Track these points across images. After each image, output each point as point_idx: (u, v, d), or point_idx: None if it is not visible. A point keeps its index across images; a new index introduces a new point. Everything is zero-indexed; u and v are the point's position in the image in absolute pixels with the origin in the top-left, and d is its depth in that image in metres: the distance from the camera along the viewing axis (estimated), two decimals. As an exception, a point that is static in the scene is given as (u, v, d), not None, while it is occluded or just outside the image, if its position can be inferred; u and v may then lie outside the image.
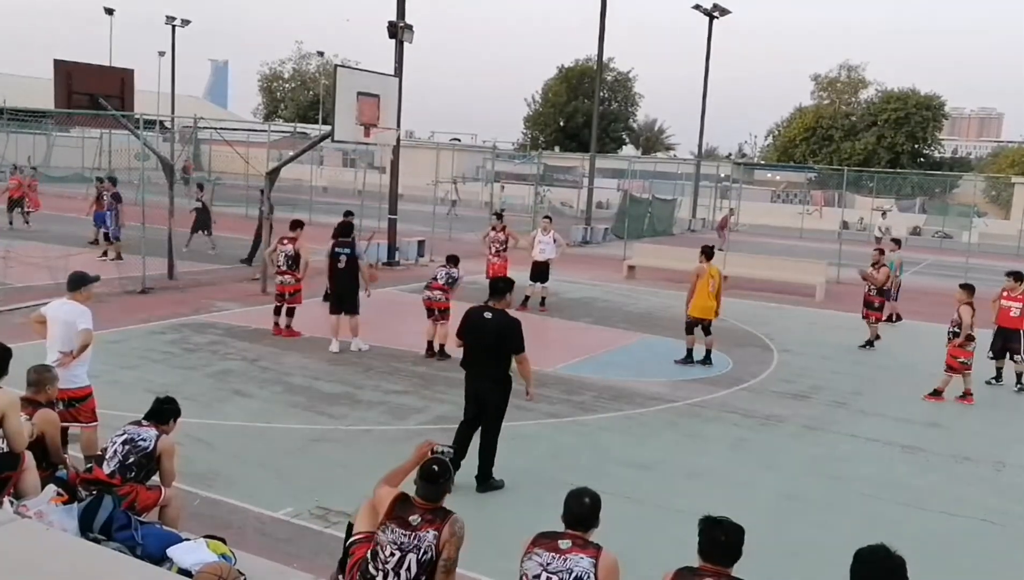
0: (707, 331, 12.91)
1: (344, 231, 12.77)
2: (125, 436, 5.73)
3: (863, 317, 15.33)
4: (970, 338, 11.64)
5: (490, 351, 7.56)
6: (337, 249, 12.53)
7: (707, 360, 12.88)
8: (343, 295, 12.49)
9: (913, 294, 21.16)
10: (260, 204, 19.79)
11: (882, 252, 15.89)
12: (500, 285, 7.85)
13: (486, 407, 7.65)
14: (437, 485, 4.53)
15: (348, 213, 16.43)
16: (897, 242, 18.83)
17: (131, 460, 5.64)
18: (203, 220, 21.61)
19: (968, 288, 11.93)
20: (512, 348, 7.51)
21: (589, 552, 4.16)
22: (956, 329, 11.73)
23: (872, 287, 15.21)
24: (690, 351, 12.92)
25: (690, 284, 12.95)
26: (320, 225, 26.53)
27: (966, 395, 11.67)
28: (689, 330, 12.94)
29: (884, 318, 15.89)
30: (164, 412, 5.94)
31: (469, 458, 7.61)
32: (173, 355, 11.70)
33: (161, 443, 5.76)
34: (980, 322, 11.96)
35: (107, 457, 5.68)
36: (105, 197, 20.44)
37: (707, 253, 13.05)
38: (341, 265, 12.45)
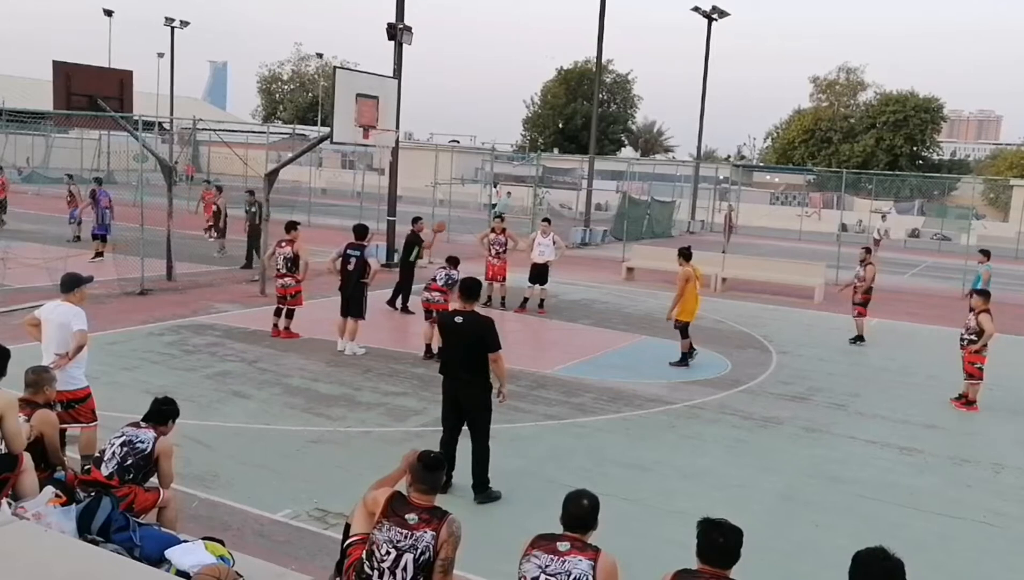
0: (684, 334, 13.04)
1: (359, 233, 12.73)
2: (123, 438, 5.73)
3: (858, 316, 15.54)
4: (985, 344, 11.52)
5: (467, 354, 7.45)
6: (349, 251, 12.52)
7: (684, 361, 12.98)
8: (350, 298, 12.49)
9: (911, 296, 21.20)
10: (248, 205, 19.94)
11: (869, 250, 16.01)
12: (472, 285, 7.74)
13: (467, 412, 7.54)
14: (436, 472, 4.53)
15: (416, 219, 16.39)
16: (986, 254, 17.58)
17: (129, 462, 5.64)
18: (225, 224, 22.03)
19: (985, 294, 11.80)
20: (487, 347, 7.39)
21: (588, 554, 4.15)
22: (973, 336, 11.53)
23: (859, 286, 15.38)
24: (684, 354, 12.95)
25: (678, 289, 12.91)
26: (319, 227, 26.60)
27: (973, 403, 11.62)
28: (685, 334, 12.97)
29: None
30: (162, 414, 5.94)
31: (463, 466, 7.59)
32: (172, 356, 11.69)
33: (159, 445, 5.77)
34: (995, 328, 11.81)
35: (105, 459, 5.68)
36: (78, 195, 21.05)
37: (687, 254, 13.10)
38: (351, 266, 12.45)
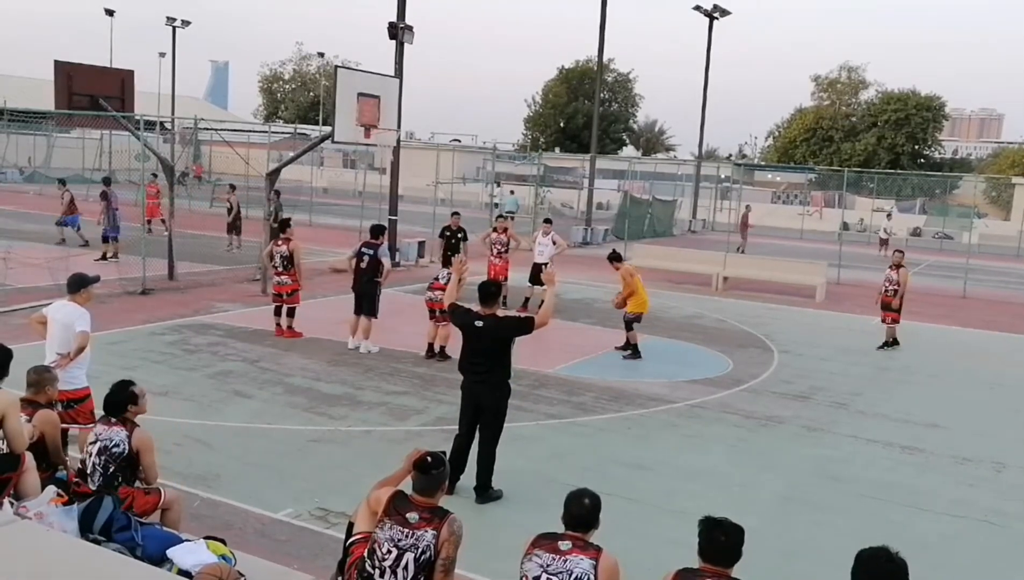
0: (630, 327, 13.36)
1: (374, 232, 12.81)
2: (99, 444, 5.48)
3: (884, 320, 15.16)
4: None
5: (486, 357, 7.44)
6: (363, 249, 12.63)
7: (636, 353, 13.27)
8: (362, 295, 12.57)
9: (913, 295, 21.13)
10: (272, 205, 19.88)
11: (902, 252, 15.74)
12: (491, 290, 7.70)
13: (484, 412, 7.51)
14: (431, 475, 4.51)
15: (455, 213, 16.96)
16: None
17: (112, 469, 5.44)
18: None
19: None
20: (523, 333, 7.43)
21: (589, 553, 4.15)
22: None
23: (890, 289, 15.06)
24: (636, 346, 13.30)
25: (630, 286, 13.19)
26: (320, 226, 26.62)
27: None
28: (630, 326, 13.28)
29: None
30: (117, 404, 5.59)
31: (471, 468, 7.58)
32: (173, 356, 11.69)
33: (135, 440, 5.51)
34: None
35: (88, 473, 5.48)
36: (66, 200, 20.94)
37: (619, 257, 13.73)
38: (363, 265, 12.54)
